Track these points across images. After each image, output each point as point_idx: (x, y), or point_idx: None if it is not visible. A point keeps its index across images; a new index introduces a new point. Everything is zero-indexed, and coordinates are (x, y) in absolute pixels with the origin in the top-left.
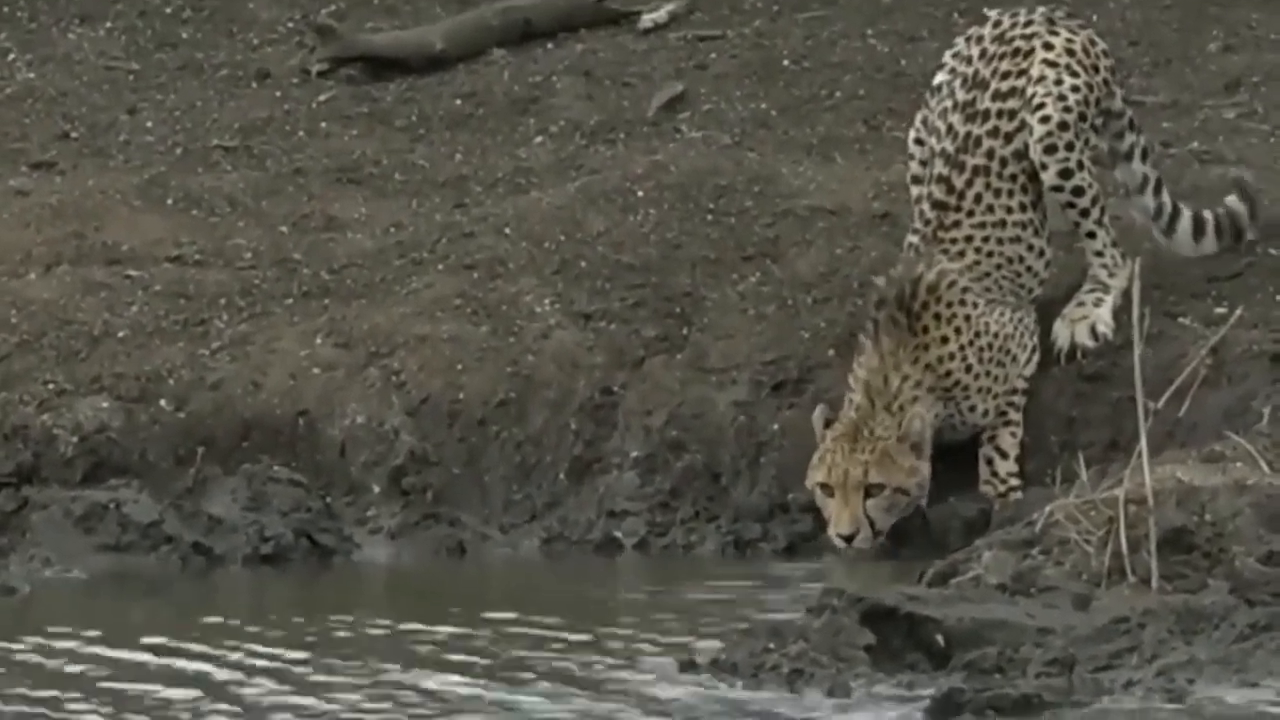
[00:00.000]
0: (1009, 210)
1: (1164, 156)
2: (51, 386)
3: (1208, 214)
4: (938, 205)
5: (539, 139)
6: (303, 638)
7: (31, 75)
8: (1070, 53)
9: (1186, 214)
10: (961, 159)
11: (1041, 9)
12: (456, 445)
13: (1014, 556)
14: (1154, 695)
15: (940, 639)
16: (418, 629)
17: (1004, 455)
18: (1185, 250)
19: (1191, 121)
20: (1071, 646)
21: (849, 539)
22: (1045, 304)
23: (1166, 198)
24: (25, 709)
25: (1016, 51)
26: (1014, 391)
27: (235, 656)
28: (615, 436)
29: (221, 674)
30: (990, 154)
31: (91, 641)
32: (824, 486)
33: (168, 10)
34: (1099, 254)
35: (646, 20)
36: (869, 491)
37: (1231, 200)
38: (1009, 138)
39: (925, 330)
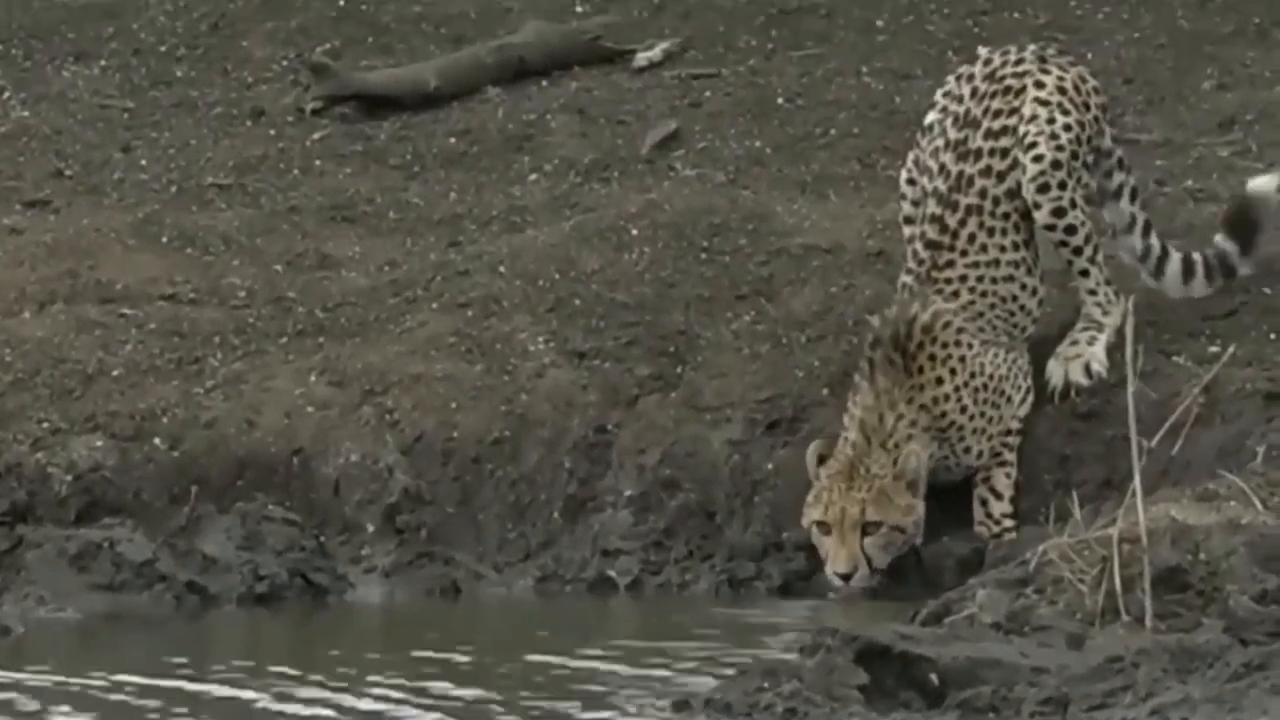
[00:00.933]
0: (1002, 249)
1: (1158, 194)
2: (46, 425)
3: (1197, 256)
4: (931, 245)
5: (533, 177)
6: (297, 677)
7: (26, 113)
8: (1062, 91)
9: (1175, 256)
10: (954, 198)
11: (1033, 47)
12: (451, 484)
13: (1008, 595)
14: None
15: (934, 678)
16: (410, 669)
17: (998, 496)
18: (1174, 292)
19: (1185, 159)
20: (1066, 686)
21: (846, 577)
22: (1039, 342)
23: (1155, 240)
24: None
25: (1008, 90)
26: (1008, 432)
27: (229, 696)
28: (609, 475)
29: (215, 714)
30: (983, 193)
31: (85, 682)
32: (821, 524)
33: (162, 49)
34: (1092, 292)
35: (641, 58)
36: (866, 530)
37: (1220, 239)
38: (1001, 176)
39: (920, 370)
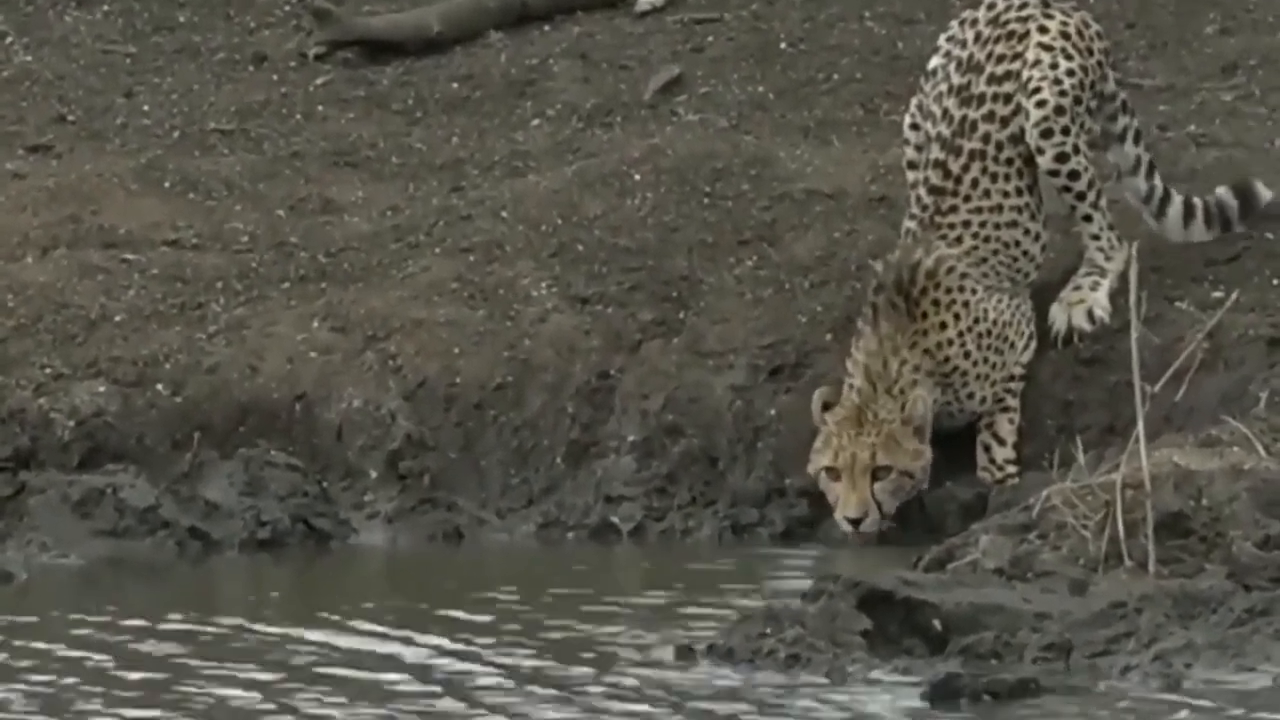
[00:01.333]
0: (1005, 195)
1: (1160, 140)
2: (48, 371)
3: (1198, 201)
4: (934, 190)
5: (536, 122)
6: (300, 622)
7: (28, 58)
8: (1065, 36)
9: (1177, 199)
10: (957, 143)
11: None
12: (453, 430)
13: (1011, 541)
14: (1151, 680)
15: (937, 624)
16: (413, 614)
17: (1001, 442)
18: (1175, 235)
19: (1188, 104)
20: (1068, 631)
21: (857, 522)
22: (1042, 288)
23: (1158, 181)
24: (24, 695)
25: (1011, 35)
26: (1011, 378)
27: (232, 641)
28: (612, 421)
29: (219, 659)
30: (986, 138)
31: (89, 627)
32: (830, 470)
33: None
34: (1095, 237)
35: (643, 3)
36: (876, 474)
37: (1223, 191)
38: (1005, 122)
39: (924, 316)
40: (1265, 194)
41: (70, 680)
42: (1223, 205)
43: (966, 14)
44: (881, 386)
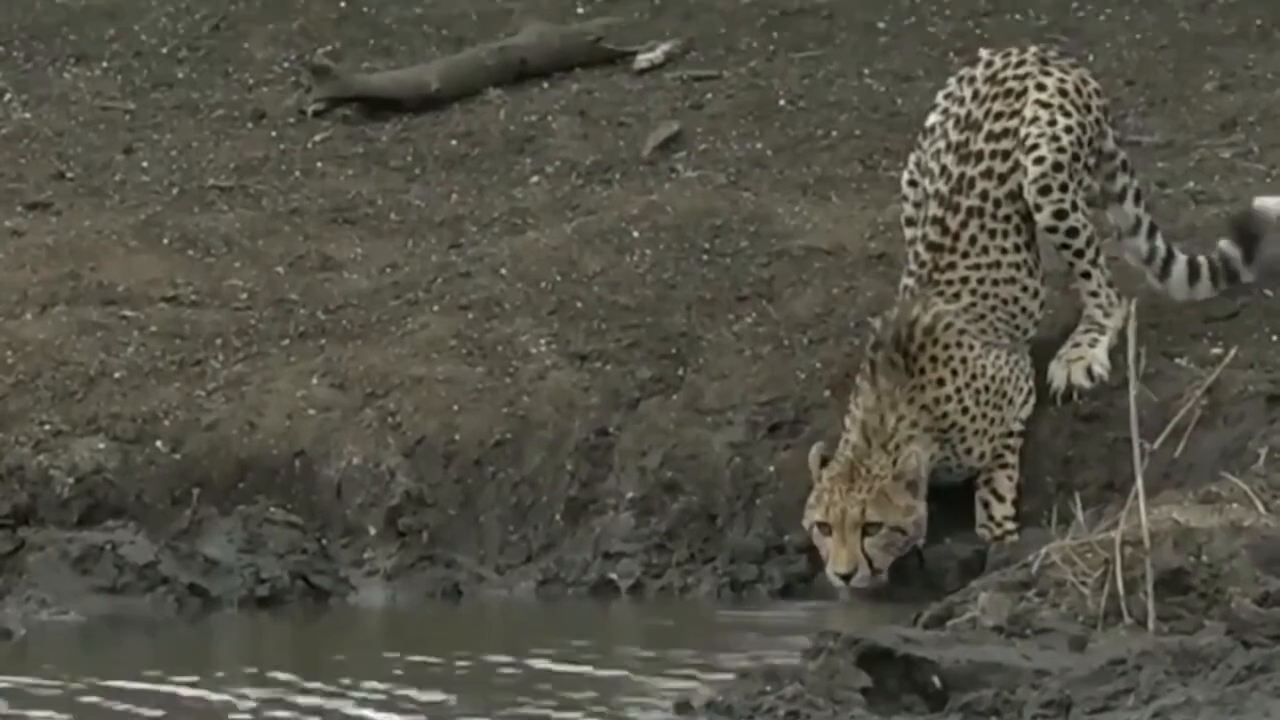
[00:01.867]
0: (1004, 251)
1: (1160, 197)
2: (47, 427)
3: (1202, 259)
4: (932, 247)
5: (535, 179)
6: (299, 681)
7: (27, 115)
8: (1063, 93)
9: (1181, 259)
10: (955, 200)
11: (1034, 49)
12: (452, 486)
13: (1010, 598)
14: None
15: (936, 681)
16: (412, 672)
17: (1000, 498)
18: (1179, 295)
19: (1187, 161)
20: (1068, 688)
21: (847, 578)
22: (1041, 345)
23: (1160, 242)
24: None
25: (1009, 92)
26: (1010, 434)
27: (230, 700)
28: (611, 478)
29: (218, 717)
30: (984, 195)
31: (88, 685)
32: (821, 525)
33: (164, 50)
34: (1094, 294)
35: (642, 60)
36: (866, 530)
37: (1225, 244)
38: (1003, 179)
39: (922, 371)
40: (1268, 211)
41: None
42: (1226, 259)
43: (964, 71)
44: (877, 442)
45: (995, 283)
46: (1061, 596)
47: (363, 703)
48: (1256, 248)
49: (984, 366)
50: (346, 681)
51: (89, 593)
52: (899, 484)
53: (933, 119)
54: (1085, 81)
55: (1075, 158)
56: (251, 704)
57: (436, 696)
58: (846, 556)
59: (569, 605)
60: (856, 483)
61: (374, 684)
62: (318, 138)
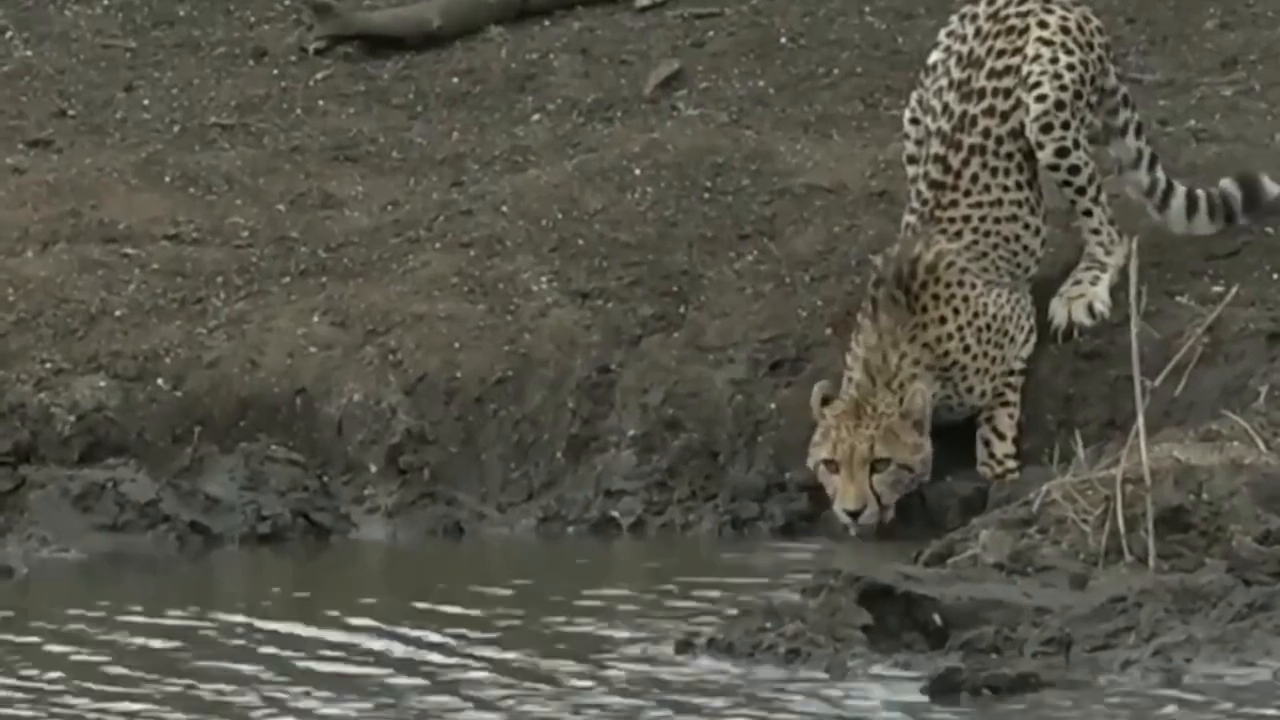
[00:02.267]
0: (1005, 189)
1: (1161, 134)
2: (48, 365)
3: (1200, 192)
4: (934, 185)
5: (536, 117)
6: (300, 617)
7: (28, 53)
8: (1065, 30)
9: (1180, 190)
10: (958, 138)
11: None
12: (453, 424)
13: (1011, 536)
14: (1151, 674)
15: (937, 618)
16: (413, 609)
17: (1001, 436)
18: (1178, 227)
19: (1188, 99)
20: (1068, 626)
21: (855, 514)
22: (1042, 282)
23: (1161, 173)
24: (24, 690)
25: (1011, 29)
26: (1011, 372)
27: (232, 636)
28: (612, 415)
29: (218, 655)
30: (986, 133)
31: (89, 622)
32: (829, 462)
33: None
34: (1095, 232)
35: None
36: (875, 467)
37: (1227, 183)
38: (1005, 116)
39: (924, 309)
40: (1272, 189)
41: (69, 675)
42: (1227, 197)
43: (966, 9)
44: (880, 380)
45: (997, 220)
46: (1062, 534)
47: (364, 638)
48: (1257, 205)
49: (985, 305)
50: (348, 618)
51: (90, 530)
52: (906, 421)
53: (935, 56)
54: (1087, 19)
55: (1077, 95)
56: (253, 640)
57: (437, 633)
58: (855, 493)
59: (570, 543)
60: (864, 420)
61: (375, 621)
62: (319, 75)
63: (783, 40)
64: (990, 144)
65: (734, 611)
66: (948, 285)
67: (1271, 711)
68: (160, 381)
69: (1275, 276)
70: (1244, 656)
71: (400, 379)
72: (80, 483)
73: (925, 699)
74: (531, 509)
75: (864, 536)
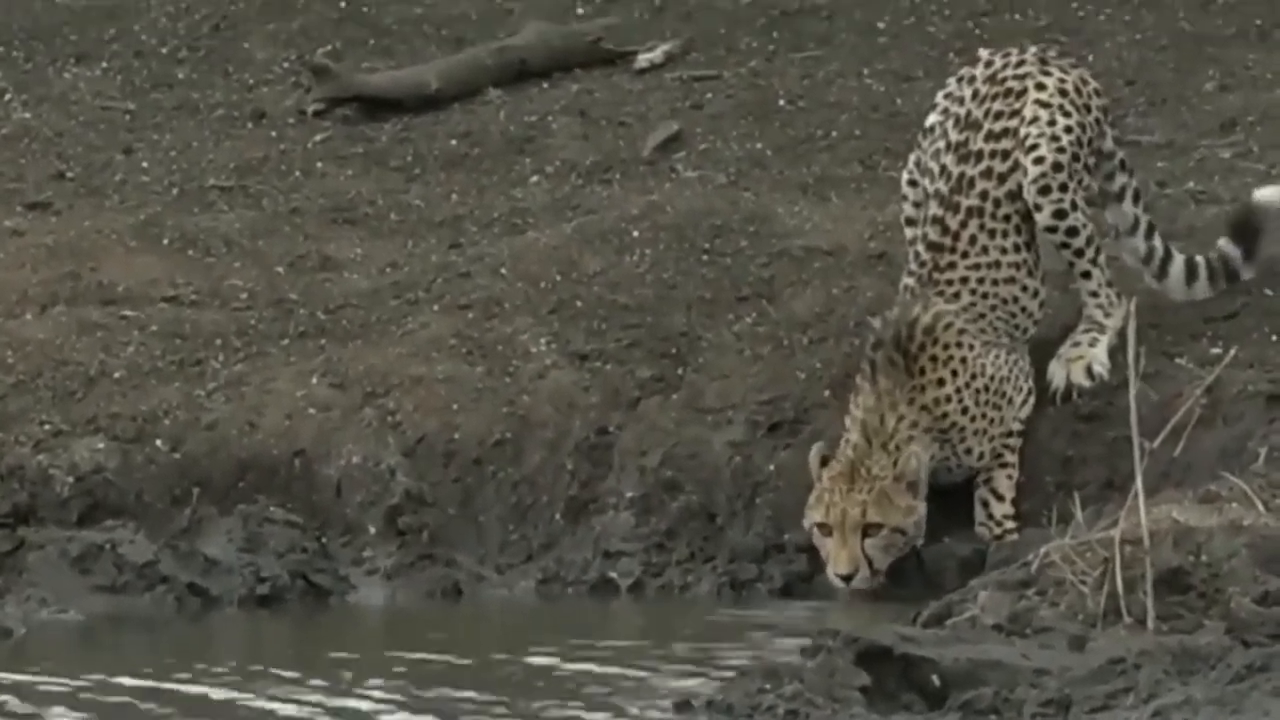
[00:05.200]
0: (1003, 251)
1: (1160, 196)
2: (47, 427)
3: (1200, 259)
4: (932, 247)
5: (535, 179)
6: (299, 679)
7: (27, 115)
8: (1063, 93)
9: (1179, 258)
10: (955, 200)
11: (1034, 48)
12: (452, 486)
13: (1009, 597)
14: None
15: (936, 680)
16: (412, 671)
17: (999, 497)
18: (1177, 295)
19: (1187, 161)
20: (1067, 687)
21: (847, 579)
22: (1040, 344)
23: (1158, 241)
24: None
25: (1009, 92)
26: (1010, 434)
27: (230, 699)
28: (611, 477)
29: (216, 717)
30: (984, 195)
31: (88, 684)
32: (822, 526)
33: (164, 50)
34: (1094, 294)
35: (642, 60)
36: (867, 531)
37: (1224, 243)
38: (1002, 178)
39: (922, 371)
40: (1266, 197)
41: None
42: (1225, 258)
43: (964, 71)
44: (877, 442)
45: (995, 282)
46: (1061, 595)
47: (363, 701)
48: (1257, 244)
49: (984, 366)
50: (347, 680)
51: (89, 592)
52: (899, 484)
53: (932, 119)
54: (1085, 81)
55: (1075, 158)
56: (252, 703)
57: (436, 695)
58: (847, 557)
59: (569, 604)
60: (857, 483)
61: (374, 682)
62: (318, 138)
63: (781, 102)
64: (988, 206)
65: (733, 672)
66: (945, 347)
67: None
68: (159, 443)
69: (1274, 338)
70: (1243, 718)
71: (399, 440)
72: (79, 544)
73: None
74: (530, 570)
75: (857, 599)
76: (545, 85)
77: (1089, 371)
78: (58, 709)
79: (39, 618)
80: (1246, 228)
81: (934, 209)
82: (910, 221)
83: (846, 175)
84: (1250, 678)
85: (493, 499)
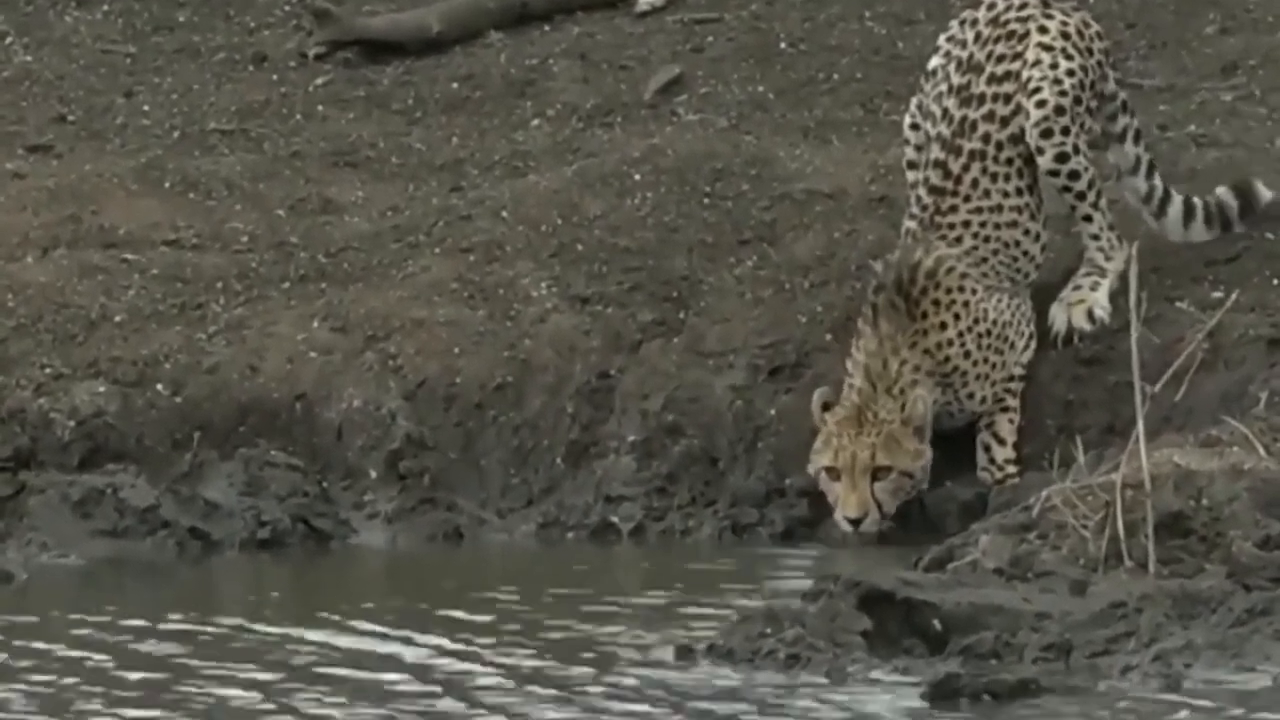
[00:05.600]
0: (1005, 195)
1: (1160, 140)
2: (48, 371)
3: (1198, 200)
4: (934, 190)
5: (536, 122)
6: (300, 622)
7: (28, 58)
8: (1065, 35)
9: (1177, 199)
10: (957, 143)
11: None
12: (453, 429)
13: (1011, 541)
14: (1150, 680)
15: (937, 624)
16: (413, 614)
17: (1001, 441)
18: (1174, 235)
19: (1188, 105)
20: (1068, 631)
21: (857, 522)
22: (1042, 288)
23: (1158, 181)
24: (24, 695)
25: (1011, 34)
26: (1011, 378)
27: (232, 641)
28: (612, 421)
29: (219, 659)
30: (986, 138)
31: (89, 627)
32: (830, 470)
33: None
34: (1095, 237)
35: (643, 3)
36: (876, 474)
37: (1223, 191)
38: (1005, 122)
39: (924, 316)
40: (1266, 194)
41: (70, 680)
42: (1223, 205)
43: (967, 14)
44: (881, 386)
45: (997, 226)
46: (1062, 539)
47: (367, 643)
48: (1254, 208)
49: (985, 310)
50: (347, 624)
51: (90, 536)
52: (907, 428)
53: (935, 62)
54: (1087, 24)
55: (1077, 101)
56: (252, 646)
57: (438, 639)
58: (857, 501)
59: (570, 549)
60: (865, 427)
61: (374, 626)
62: (319, 80)
63: (782, 45)
64: (990, 149)
65: (734, 617)
66: (948, 291)
67: (1277, 717)
68: (160, 387)
69: (1275, 282)
70: (1244, 662)
71: (400, 384)
72: (80, 488)
73: (925, 704)
74: (531, 514)
75: (865, 543)
76: (546, 28)
77: (1090, 315)
78: (59, 652)
79: (40, 562)
80: (1246, 197)
81: (936, 152)
82: (912, 165)
83: (848, 118)
84: (1251, 621)
85: (494, 443)
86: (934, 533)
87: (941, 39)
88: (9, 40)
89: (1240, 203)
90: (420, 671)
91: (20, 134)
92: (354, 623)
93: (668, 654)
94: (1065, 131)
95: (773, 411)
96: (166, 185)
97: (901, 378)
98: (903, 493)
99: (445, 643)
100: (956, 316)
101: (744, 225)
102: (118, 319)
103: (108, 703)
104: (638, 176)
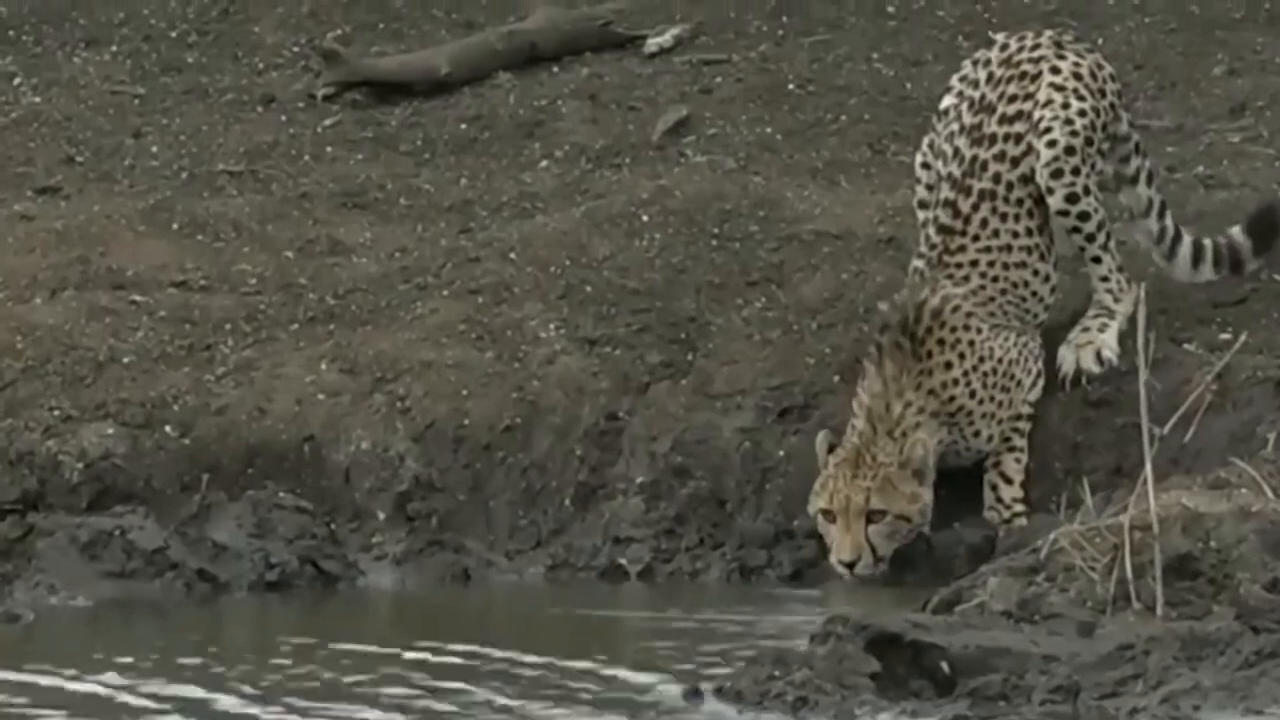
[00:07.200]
0: (1015, 235)
1: (1169, 181)
2: (57, 413)
3: (1207, 242)
4: (943, 230)
5: (544, 163)
6: (307, 664)
7: (37, 99)
8: (1077, 76)
9: (1187, 240)
10: (968, 183)
11: (1048, 32)
12: (461, 471)
13: (1019, 583)
14: None
15: (945, 666)
16: (421, 657)
17: (1008, 481)
18: (1182, 276)
19: (1196, 146)
20: (1076, 674)
21: (850, 565)
22: (1050, 329)
23: (1170, 222)
24: None
25: (1023, 75)
26: (1018, 417)
27: (241, 685)
28: (620, 462)
29: (227, 702)
30: (997, 178)
31: (96, 669)
32: (826, 513)
33: (173, 34)
34: (1104, 279)
35: (652, 44)
36: (870, 518)
37: (1235, 231)
38: (1015, 162)
39: (929, 355)
40: None
41: None
42: (1234, 245)
43: (980, 54)
44: (883, 429)
45: (1005, 266)
46: (1070, 581)
47: (371, 687)
48: (1272, 240)
49: (991, 349)
50: (356, 666)
51: (98, 578)
52: (904, 471)
53: (947, 101)
54: (1100, 66)
55: (1088, 142)
56: (260, 689)
57: (445, 681)
58: (850, 544)
59: (578, 590)
60: (861, 470)
61: (383, 669)
62: (327, 122)
63: (791, 87)
64: (1000, 189)
65: (742, 659)
66: (953, 330)
67: None
68: (168, 429)
69: None
70: (1252, 704)
71: (408, 426)
72: (88, 530)
73: None
74: (540, 556)
75: (863, 587)
76: (555, 69)
77: (1098, 357)
78: (66, 695)
79: (48, 604)
80: (1264, 222)
81: (946, 192)
82: (923, 205)
83: (855, 160)
84: (1259, 664)
85: (502, 484)
86: (942, 575)
87: (954, 79)
88: (17, 81)
89: (1256, 241)
90: (426, 713)
91: (29, 175)
92: (363, 665)
93: (675, 696)
94: (1076, 172)
95: (781, 453)
96: (175, 226)
97: (904, 420)
98: (899, 536)
99: (453, 685)
100: (961, 355)
101: (752, 266)
102: (126, 360)
103: None
104: (646, 218)
